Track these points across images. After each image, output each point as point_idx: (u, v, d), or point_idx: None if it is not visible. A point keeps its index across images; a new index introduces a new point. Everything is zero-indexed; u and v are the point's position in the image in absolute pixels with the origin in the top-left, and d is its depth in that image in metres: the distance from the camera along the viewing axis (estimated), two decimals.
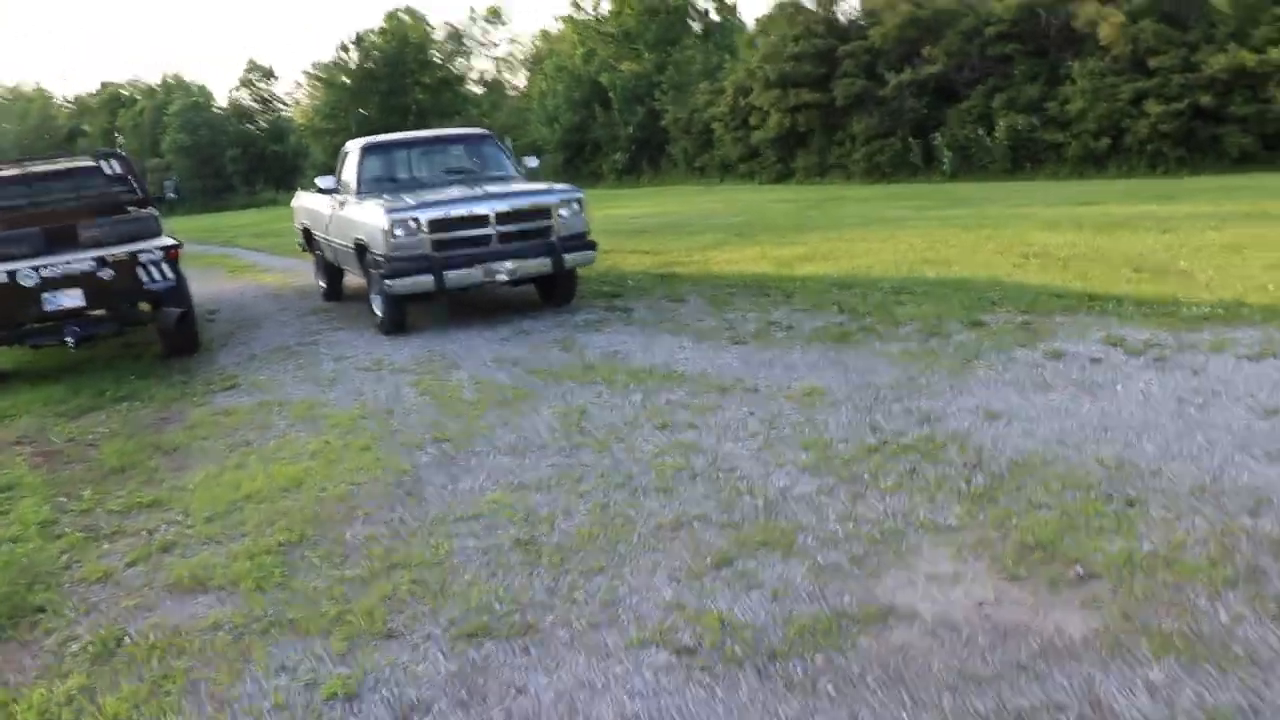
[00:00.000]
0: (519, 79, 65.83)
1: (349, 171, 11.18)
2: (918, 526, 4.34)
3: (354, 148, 11.55)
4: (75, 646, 3.92)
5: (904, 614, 3.62)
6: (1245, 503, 4.27)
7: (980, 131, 29.53)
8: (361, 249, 10.07)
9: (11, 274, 8.56)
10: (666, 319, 9.39)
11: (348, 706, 3.31)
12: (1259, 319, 7.42)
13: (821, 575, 3.96)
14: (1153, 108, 25.36)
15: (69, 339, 8.80)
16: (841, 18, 35.99)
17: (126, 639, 3.93)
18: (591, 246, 10.23)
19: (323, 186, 11.37)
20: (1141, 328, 7.47)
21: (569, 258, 9.99)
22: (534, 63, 62.67)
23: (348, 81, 56.00)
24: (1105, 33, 26.60)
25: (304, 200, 13.46)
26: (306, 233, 13.38)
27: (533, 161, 12.13)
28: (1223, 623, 3.38)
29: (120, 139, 63.90)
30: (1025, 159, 28.60)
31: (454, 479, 5.44)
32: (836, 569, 4.00)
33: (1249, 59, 23.85)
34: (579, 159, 47.12)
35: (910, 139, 31.54)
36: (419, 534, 4.70)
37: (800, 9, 36.31)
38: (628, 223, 20.03)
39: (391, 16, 57.29)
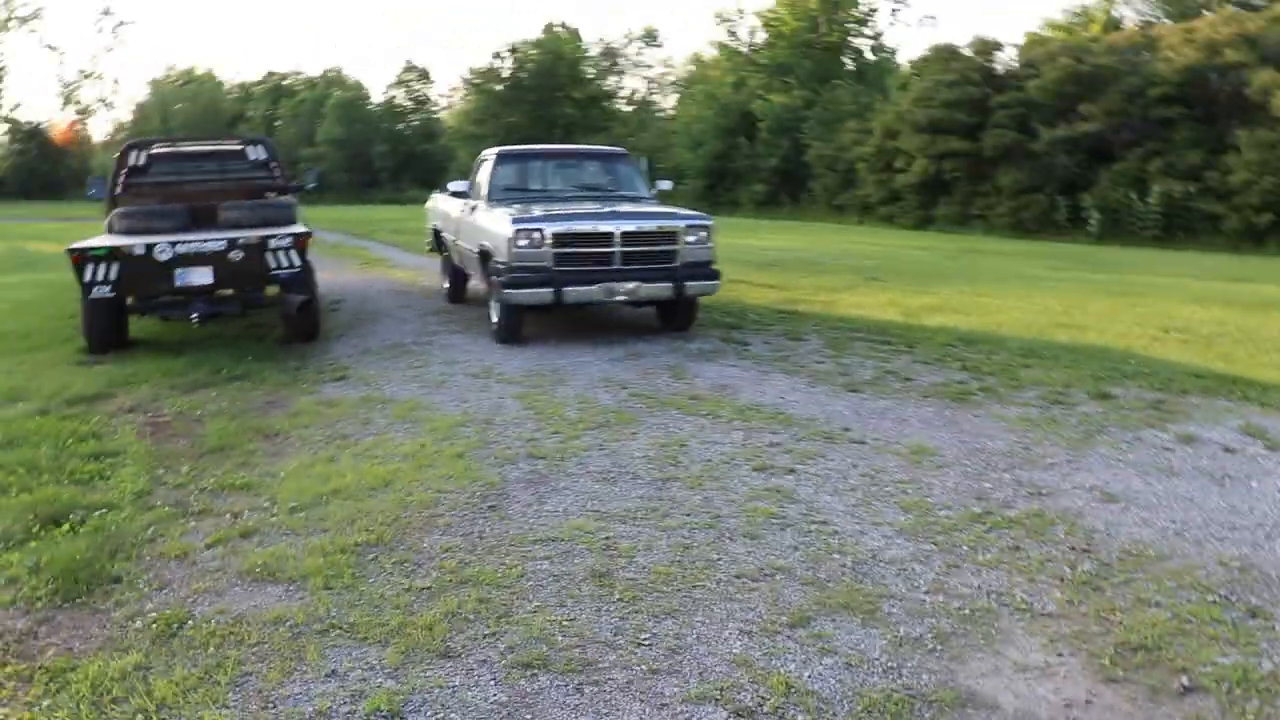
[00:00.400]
0: (668, 101, 66.22)
1: (482, 178, 11.27)
2: (1013, 609, 4.07)
3: (489, 155, 11.64)
4: (140, 623, 3.92)
5: (984, 703, 3.38)
6: None
7: (1133, 195, 28.53)
8: (485, 255, 10.12)
9: (149, 247, 8.80)
10: (782, 357, 9.18)
11: None
12: None
13: (901, 649, 3.73)
14: None
15: (194, 315, 9.02)
16: (998, 67, 35.27)
17: (190, 621, 3.92)
18: (715, 276, 10.09)
19: (454, 190, 11.46)
20: None
21: (691, 285, 9.87)
22: (684, 87, 62.98)
23: (499, 89, 57.05)
24: (1270, 99, 25.46)
25: (437, 202, 13.64)
26: (436, 234, 13.56)
27: (665, 184, 12.03)
28: None
29: (280, 125, 66.23)
30: (1178, 228, 27.53)
31: (540, 499, 5.34)
32: (918, 644, 3.77)
33: None
34: (720, 186, 47.11)
35: (1058, 197, 30.66)
36: (495, 551, 4.61)
37: (956, 55, 35.73)
38: (759, 254, 19.84)
39: (549, 29, 58.24)
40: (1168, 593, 4.22)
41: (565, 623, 3.90)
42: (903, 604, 4.11)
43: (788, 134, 44.20)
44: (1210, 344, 9.81)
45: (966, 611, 4.04)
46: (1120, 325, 10.94)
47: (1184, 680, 3.53)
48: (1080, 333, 10.41)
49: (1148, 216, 27.95)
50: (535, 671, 3.54)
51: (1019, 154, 31.91)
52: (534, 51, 57.47)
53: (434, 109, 68.22)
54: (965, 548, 4.70)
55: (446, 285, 13.03)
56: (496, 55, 58.20)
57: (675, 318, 10.50)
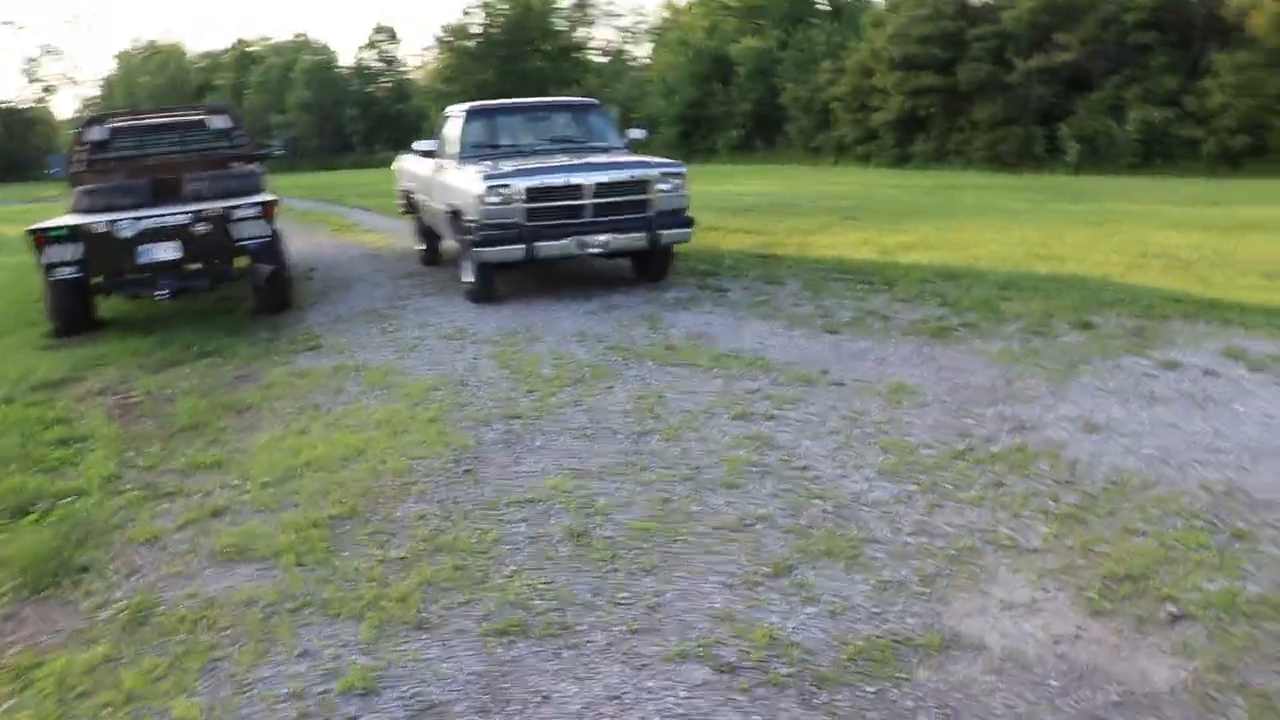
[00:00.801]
0: (642, 50, 65.49)
1: (451, 135, 11.07)
2: (997, 546, 4.01)
3: (456, 112, 11.44)
4: (109, 612, 3.82)
5: (970, 645, 3.32)
6: None
7: (1110, 123, 28.32)
8: (457, 214, 9.95)
9: (111, 224, 8.63)
10: (760, 302, 9.08)
11: (363, 703, 3.13)
12: None
13: (886, 593, 3.67)
14: None
15: (163, 292, 8.86)
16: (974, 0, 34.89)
17: (160, 608, 3.83)
18: (689, 224, 9.94)
19: (421, 149, 11.27)
20: (1267, 340, 6.94)
21: (665, 234, 9.73)
22: (657, 34, 62.27)
23: (471, 46, 56.30)
24: (1256, 23, 25.22)
25: (405, 163, 13.42)
26: (407, 195, 13.36)
27: (638, 133, 11.84)
28: None
29: (249, 93, 65.44)
30: (1156, 154, 27.38)
31: (516, 459, 5.25)
32: (902, 587, 3.71)
33: None
34: (695, 133, 46.68)
35: (1035, 128, 30.45)
36: (470, 516, 4.52)
37: None
38: (735, 200, 19.66)
39: None
40: (1153, 521, 4.16)
41: (543, 586, 3.83)
42: (886, 547, 4.04)
43: (762, 77, 43.73)
44: (1189, 268, 9.73)
45: (951, 551, 3.98)
46: (1099, 254, 10.85)
47: (1171, 609, 3.48)
48: (1059, 263, 10.32)
49: (1125, 144, 27.76)
50: (513, 638, 3.47)
51: (995, 87, 31.64)
52: (504, 5, 56.66)
53: (404, 69, 67.43)
54: (948, 486, 4.63)
55: (419, 247, 12.86)
56: (466, 12, 57.43)
57: (651, 268, 10.36)
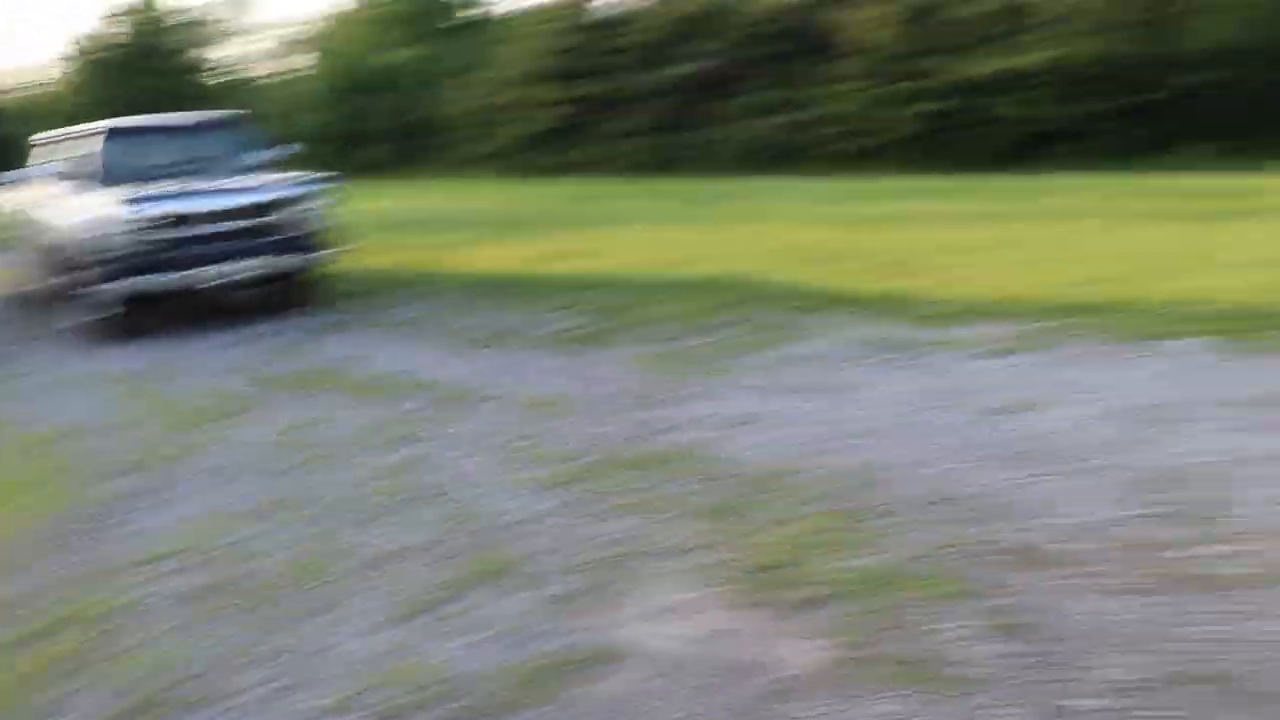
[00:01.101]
0: (287, 64, 63.08)
1: (76, 157, 10.10)
2: (649, 551, 4.10)
3: (82, 131, 10.47)
4: None
5: (625, 654, 3.36)
6: (975, 511, 4.24)
7: (743, 129, 30.08)
8: (76, 247, 9.13)
9: None
10: (411, 321, 8.94)
11: None
12: (1005, 316, 7.64)
13: (539, 613, 3.65)
14: (908, 109, 26.39)
15: None
16: (604, 14, 36.03)
17: None
18: (335, 244, 9.65)
19: (8, 180, 10.29)
20: (891, 326, 7.55)
21: (310, 256, 9.40)
22: (306, 48, 60.20)
23: (102, 59, 52.40)
24: (861, 34, 27.57)
25: (11, 192, 12.13)
26: (16, 227, 12.08)
27: (282, 151, 11.31)
28: (947, 642, 3.28)
29: None
30: (786, 157, 29.29)
31: (152, 511, 4.86)
32: (556, 604, 3.71)
33: (1001, 65, 24.99)
34: (346, 149, 45.43)
35: (672, 135, 31.85)
36: (98, 582, 4.12)
37: (562, 5, 36.19)
38: (387, 217, 19.31)
39: None
40: (797, 508, 4.38)
41: (185, 649, 3.55)
42: (542, 564, 4.03)
43: (415, 91, 43.30)
44: (820, 263, 10.44)
45: (603, 560, 4.02)
46: (742, 254, 11.44)
47: (822, 590, 3.66)
48: (704, 265, 10.80)
49: (757, 148, 29.57)
50: (149, 713, 3.19)
51: (633, 97, 32.81)
52: (138, 18, 52.94)
53: (21, 88, 61.53)
54: (600, 494, 4.70)
55: (31, 286, 11.61)
56: (111, 19, 53.13)
57: (297, 293, 9.92)
